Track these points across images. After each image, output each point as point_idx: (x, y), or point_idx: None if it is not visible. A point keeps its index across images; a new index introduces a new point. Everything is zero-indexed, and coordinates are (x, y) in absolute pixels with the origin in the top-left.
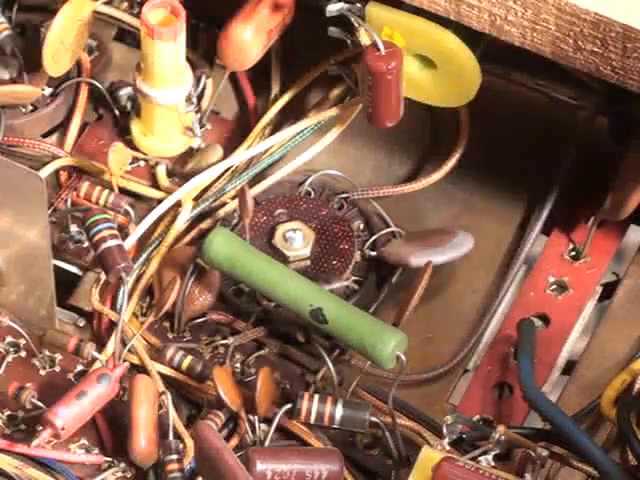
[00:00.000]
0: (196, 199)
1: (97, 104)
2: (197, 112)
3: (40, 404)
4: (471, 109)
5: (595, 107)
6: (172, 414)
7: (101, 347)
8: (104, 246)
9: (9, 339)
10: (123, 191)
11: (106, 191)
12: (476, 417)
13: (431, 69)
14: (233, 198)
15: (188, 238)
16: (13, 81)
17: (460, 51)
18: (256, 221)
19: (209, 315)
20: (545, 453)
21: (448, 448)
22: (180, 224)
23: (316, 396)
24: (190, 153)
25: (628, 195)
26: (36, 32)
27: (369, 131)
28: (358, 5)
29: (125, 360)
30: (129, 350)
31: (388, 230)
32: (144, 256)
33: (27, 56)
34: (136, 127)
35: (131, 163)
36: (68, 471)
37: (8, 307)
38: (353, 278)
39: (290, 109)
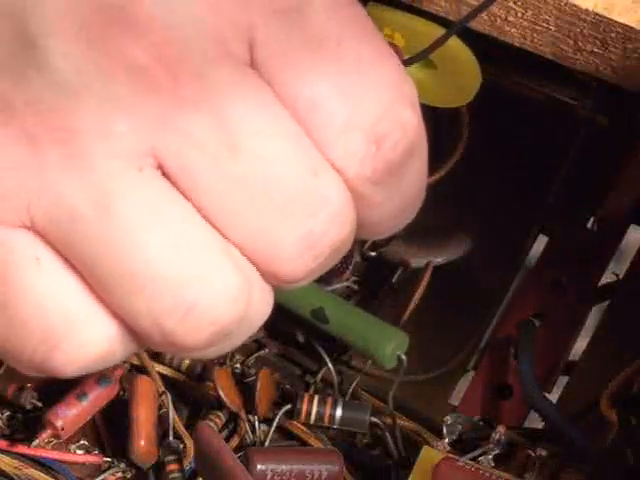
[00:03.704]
0: None
1: None
2: None
3: (40, 404)
4: (471, 109)
5: (595, 107)
6: (172, 414)
7: None
8: None
9: None
10: None
11: None
12: (476, 417)
13: (431, 69)
14: None
15: None
16: None
17: (460, 51)
18: None
19: None
20: (545, 453)
21: (448, 448)
22: None
23: (316, 397)
24: None
25: (628, 195)
26: None
27: None
28: None
29: (125, 360)
30: None
31: None
32: None
33: None
34: None
35: None
36: (68, 471)
37: None
38: (353, 278)
39: None
